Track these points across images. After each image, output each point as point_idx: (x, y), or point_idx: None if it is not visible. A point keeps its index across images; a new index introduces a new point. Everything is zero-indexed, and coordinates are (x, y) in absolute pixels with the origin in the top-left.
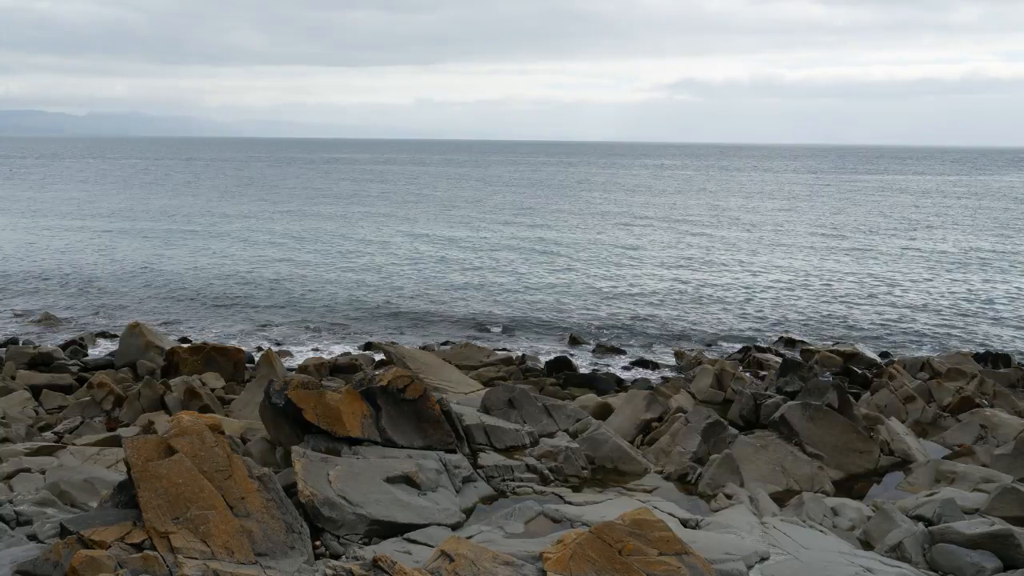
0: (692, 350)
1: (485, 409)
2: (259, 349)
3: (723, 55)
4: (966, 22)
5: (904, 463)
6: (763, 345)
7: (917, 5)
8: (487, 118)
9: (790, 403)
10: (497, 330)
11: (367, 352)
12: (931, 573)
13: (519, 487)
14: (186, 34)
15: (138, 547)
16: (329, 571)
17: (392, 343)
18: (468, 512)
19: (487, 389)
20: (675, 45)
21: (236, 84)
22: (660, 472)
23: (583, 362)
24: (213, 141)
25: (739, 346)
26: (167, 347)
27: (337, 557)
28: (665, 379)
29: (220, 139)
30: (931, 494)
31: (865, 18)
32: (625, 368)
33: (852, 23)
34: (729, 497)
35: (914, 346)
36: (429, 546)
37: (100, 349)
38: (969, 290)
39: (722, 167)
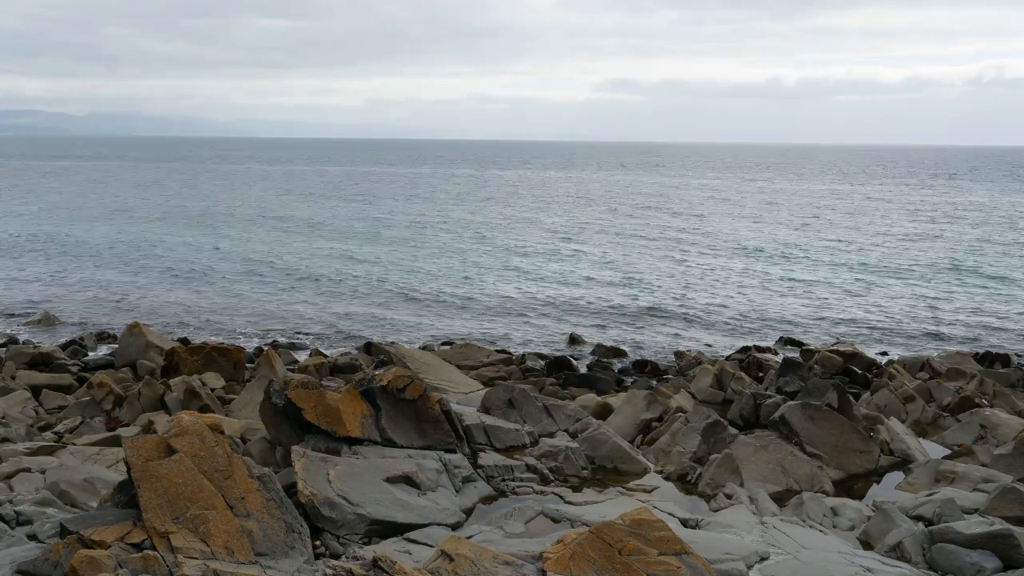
0: (692, 350)
1: (485, 409)
2: (259, 349)
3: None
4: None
5: (904, 463)
6: (763, 345)
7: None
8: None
9: (790, 403)
10: (497, 330)
11: (367, 352)
12: (931, 573)
13: (519, 487)
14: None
15: (138, 547)
16: (329, 571)
17: (392, 343)
18: (468, 512)
19: (487, 389)
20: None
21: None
22: (660, 472)
23: (583, 362)
24: (215, 141)
25: (739, 346)
26: (167, 347)
27: (337, 557)
28: (665, 379)
29: (221, 139)
30: (931, 494)
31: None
32: (625, 368)
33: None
34: (729, 497)
35: (914, 346)
36: (429, 546)
37: (100, 349)
38: (968, 290)
39: (725, 167)
